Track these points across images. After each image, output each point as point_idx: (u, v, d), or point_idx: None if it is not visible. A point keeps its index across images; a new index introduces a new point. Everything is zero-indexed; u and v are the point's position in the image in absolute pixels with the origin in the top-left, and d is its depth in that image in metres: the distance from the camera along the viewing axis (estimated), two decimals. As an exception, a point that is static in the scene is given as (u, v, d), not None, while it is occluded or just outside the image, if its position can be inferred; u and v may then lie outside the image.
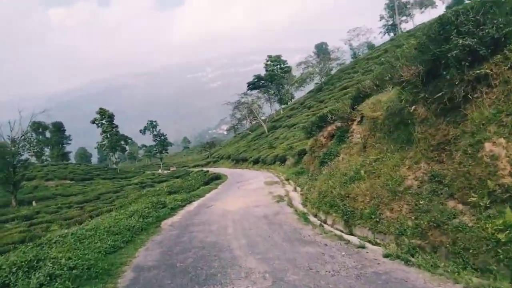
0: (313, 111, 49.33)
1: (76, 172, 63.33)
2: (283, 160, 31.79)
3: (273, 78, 74.82)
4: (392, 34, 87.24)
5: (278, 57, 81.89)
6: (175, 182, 39.09)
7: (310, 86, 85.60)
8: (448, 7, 73.85)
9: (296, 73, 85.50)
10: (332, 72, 77.21)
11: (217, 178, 28.75)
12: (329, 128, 16.07)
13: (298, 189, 16.05)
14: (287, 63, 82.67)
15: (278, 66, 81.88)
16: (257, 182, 22.69)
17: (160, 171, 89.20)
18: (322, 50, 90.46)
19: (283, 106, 79.44)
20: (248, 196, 16.09)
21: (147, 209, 12.24)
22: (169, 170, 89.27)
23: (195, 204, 15.46)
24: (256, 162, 40.99)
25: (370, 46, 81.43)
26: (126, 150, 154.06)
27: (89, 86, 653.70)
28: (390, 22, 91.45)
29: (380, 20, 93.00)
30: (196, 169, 62.75)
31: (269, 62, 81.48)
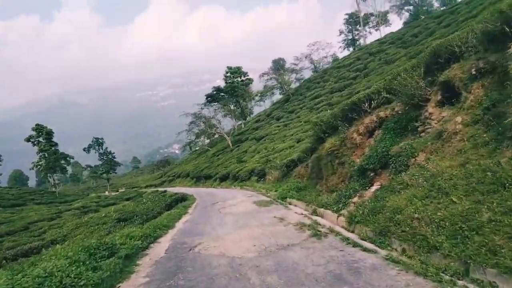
0: (283, 122, 44.62)
1: (4, 197, 53.08)
2: (261, 175, 26.20)
3: (234, 90, 69.56)
4: (351, 49, 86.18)
5: (239, 68, 77.19)
6: (125, 205, 31.91)
7: (267, 103, 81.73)
8: (405, 23, 74.21)
9: (257, 86, 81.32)
10: (292, 86, 74.32)
11: (183, 199, 22.40)
12: (367, 120, 10.80)
13: (322, 211, 10.47)
14: (248, 75, 78.03)
15: (239, 78, 76.99)
16: (242, 203, 16.85)
17: (107, 193, 79.48)
18: (279, 65, 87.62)
19: (242, 122, 74.21)
20: (248, 225, 10.23)
21: (75, 266, 5.95)
22: (118, 191, 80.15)
23: (165, 243, 9.24)
24: (224, 178, 34.97)
25: (335, 59, 79.50)
26: (67, 171, 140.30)
27: (33, 104, 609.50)
28: (350, 37, 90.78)
29: (340, 35, 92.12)
30: (149, 190, 55.05)
31: (228, 74, 76.42)
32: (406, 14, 79.63)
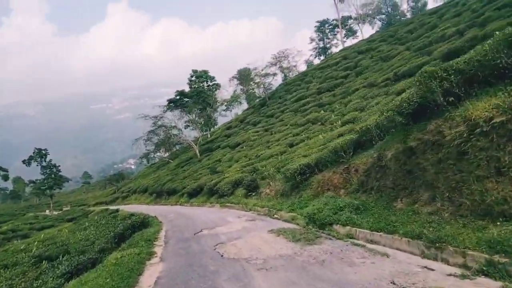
0: (263, 127, 38.04)
1: None
2: (252, 188, 19.20)
3: (200, 95, 62.10)
4: (322, 57, 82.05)
5: (205, 72, 70.01)
6: (61, 230, 23.51)
7: (232, 114, 75.55)
8: (378, 31, 71.47)
9: (224, 93, 74.52)
10: (258, 93, 68.91)
11: (143, 224, 14.69)
12: None
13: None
14: (215, 80, 70.85)
15: (205, 83, 69.76)
16: (249, 234, 9.91)
17: (47, 212, 68.19)
18: (245, 76, 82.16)
19: (207, 132, 66.58)
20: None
21: None
22: (61, 210, 69.19)
23: None
24: (194, 193, 27.47)
25: (309, 63, 74.87)
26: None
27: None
28: (321, 45, 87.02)
29: (311, 42, 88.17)
30: (98, 208, 45.81)
31: (193, 78, 68.99)
32: (379, 23, 77.31)
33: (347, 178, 11.26)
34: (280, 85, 54.07)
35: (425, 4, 69.93)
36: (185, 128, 61.25)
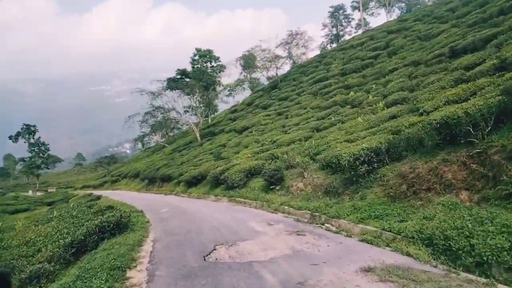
0: (275, 110, 32.97)
1: None
2: (274, 179, 14.16)
3: (203, 75, 56.27)
4: (334, 45, 76.52)
5: (210, 51, 64.12)
6: (20, 220, 18.49)
7: (231, 101, 70.50)
8: (403, 12, 65.98)
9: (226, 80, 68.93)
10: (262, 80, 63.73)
11: (119, 226, 9.55)
12: None
13: None
14: (220, 61, 65.04)
15: (209, 64, 63.99)
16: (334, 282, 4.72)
17: (30, 192, 63.02)
18: (249, 61, 76.88)
19: (208, 116, 61.19)
20: None
21: None
22: (47, 191, 64.14)
23: None
24: (194, 182, 22.56)
25: (323, 48, 69.61)
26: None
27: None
28: (334, 32, 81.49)
29: (323, 29, 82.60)
30: (83, 192, 40.77)
31: (196, 57, 63.23)
32: (397, 12, 71.87)
33: (477, 172, 6.27)
34: (292, 67, 48.76)
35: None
36: (184, 113, 55.48)
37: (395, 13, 73.45)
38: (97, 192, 34.99)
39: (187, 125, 46.99)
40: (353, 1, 69.66)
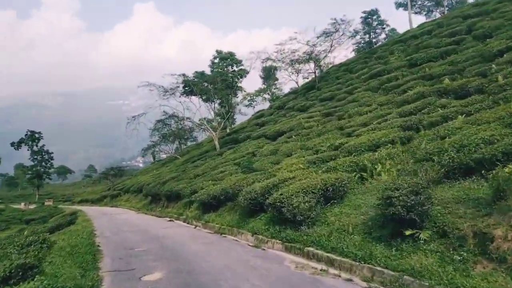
0: (319, 111, 25.09)
1: None
2: (415, 213, 6.06)
3: (223, 80, 48.39)
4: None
5: (231, 54, 56.32)
6: None
7: (249, 112, 63.43)
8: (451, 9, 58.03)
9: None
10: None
11: None
12: None
13: None
14: (242, 65, 57.12)
15: (230, 68, 56.36)
16: None
17: (22, 205, 56.03)
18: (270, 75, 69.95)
19: (227, 125, 53.34)
20: None
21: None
22: (43, 204, 57.13)
23: None
24: (212, 205, 14.61)
25: (361, 49, 62.26)
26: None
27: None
28: (367, 39, 73.86)
29: (353, 37, 74.99)
30: (72, 208, 33.12)
31: (216, 60, 55.85)
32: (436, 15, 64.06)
33: None
34: (331, 66, 40.92)
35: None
36: (200, 123, 47.44)
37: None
38: (89, 209, 27.31)
39: (204, 129, 39.14)
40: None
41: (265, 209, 10.82)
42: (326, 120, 22.45)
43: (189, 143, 70.28)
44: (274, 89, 71.95)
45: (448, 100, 14.71)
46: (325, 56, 36.57)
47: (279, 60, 44.24)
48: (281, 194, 9.27)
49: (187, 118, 42.04)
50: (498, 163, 6.70)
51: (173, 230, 13.99)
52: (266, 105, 62.06)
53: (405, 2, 59.10)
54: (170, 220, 18.11)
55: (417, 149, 10.44)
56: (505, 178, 5.50)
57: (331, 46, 35.55)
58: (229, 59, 56.50)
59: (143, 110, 41.83)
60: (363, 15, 71.46)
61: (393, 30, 72.84)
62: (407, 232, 5.99)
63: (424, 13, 67.54)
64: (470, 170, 7.44)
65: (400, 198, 6.00)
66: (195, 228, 14.72)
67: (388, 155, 10.80)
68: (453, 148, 8.38)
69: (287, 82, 60.02)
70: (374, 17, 71.35)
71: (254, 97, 72.16)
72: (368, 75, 27.03)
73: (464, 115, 11.62)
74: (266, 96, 69.42)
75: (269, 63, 45.99)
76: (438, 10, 65.23)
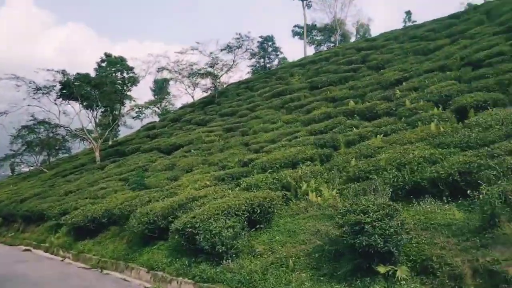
0: (220, 125, 23.52)
1: None
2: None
3: (113, 83, 43.45)
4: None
5: (122, 59, 51.28)
6: None
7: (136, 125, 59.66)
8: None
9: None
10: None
11: None
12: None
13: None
14: (133, 73, 52.30)
15: (119, 74, 51.15)
16: None
17: None
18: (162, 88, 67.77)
19: (109, 136, 47.92)
20: None
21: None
22: None
23: None
24: (89, 229, 11.36)
25: (257, 71, 63.34)
26: None
27: None
28: (262, 63, 76.39)
29: (250, 59, 76.84)
30: None
31: (104, 64, 50.30)
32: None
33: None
34: (230, 83, 40.05)
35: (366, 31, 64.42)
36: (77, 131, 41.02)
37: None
38: None
39: (84, 139, 33.81)
40: (295, 26, 65.41)
41: (165, 236, 8.40)
42: (229, 135, 20.91)
43: (60, 155, 61.01)
44: (166, 103, 68.75)
45: (358, 121, 14.53)
46: (228, 70, 35.47)
47: (175, 71, 41.74)
48: (193, 217, 7.03)
49: (63, 126, 35.94)
50: (457, 183, 5.76)
51: (29, 266, 10.24)
52: (155, 119, 58.41)
53: (301, 32, 62.73)
54: (26, 250, 13.82)
55: (342, 167, 9.39)
56: (497, 201, 4.39)
57: (233, 62, 34.78)
58: (119, 65, 51.13)
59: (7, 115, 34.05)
60: (260, 39, 74.17)
61: (284, 58, 76.73)
62: (381, 269, 4.45)
63: (313, 45, 73.25)
64: (421, 190, 6.43)
65: (375, 224, 4.44)
66: (62, 261, 11.18)
67: (312, 173, 9.51)
68: (391, 166, 7.44)
69: (182, 95, 57.71)
70: (270, 43, 74.69)
71: (143, 109, 67.51)
72: (271, 94, 26.66)
73: (382, 134, 11.18)
74: (156, 109, 65.69)
75: (164, 73, 42.78)
76: (325, 45, 71.53)
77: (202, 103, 34.85)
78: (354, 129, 13.13)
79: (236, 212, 7.00)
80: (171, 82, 45.75)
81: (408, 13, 69.88)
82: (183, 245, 7.30)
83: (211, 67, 33.83)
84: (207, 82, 44.48)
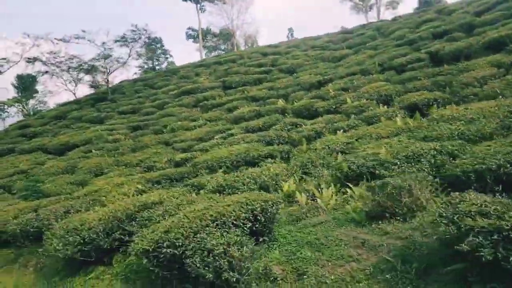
0: (122, 123, 20.41)
1: None
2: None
3: None
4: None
5: None
6: None
7: None
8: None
9: None
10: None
11: None
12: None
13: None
14: None
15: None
16: None
17: None
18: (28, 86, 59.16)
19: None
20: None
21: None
22: None
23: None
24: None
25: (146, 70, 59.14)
26: None
27: None
28: (150, 65, 72.49)
29: (137, 59, 72.02)
30: None
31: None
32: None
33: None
34: (123, 81, 35.68)
35: (254, 42, 67.32)
36: None
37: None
38: None
39: None
40: (189, 29, 63.18)
41: (106, 260, 6.00)
42: (138, 134, 18.04)
43: None
44: (36, 101, 59.13)
45: (297, 118, 13.74)
46: (123, 65, 31.56)
47: (52, 64, 35.62)
48: (167, 232, 4.93)
49: None
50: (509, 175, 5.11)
51: None
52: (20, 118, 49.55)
53: (195, 35, 61.04)
54: None
55: (322, 164, 8.29)
56: None
57: (129, 56, 31.18)
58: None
59: None
60: (147, 40, 69.70)
61: (172, 63, 73.59)
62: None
63: (205, 51, 72.28)
64: (458, 185, 5.61)
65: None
66: None
67: (286, 169, 8.18)
68: (399, 160, 6.63)
69: (61, 91, 50.70)
70: (158, 45, 71.10)
71: (6, 107, 57.25)
72: (179, 92, 24.39)
73: (342, 130, 10.54)
74: (23, 109, 55.75)
75: (37, 66, 35.93)
76: (216, 52, 71.23)
77: (92, 99, 30.14)
78: (299, 126, 12.31)
79: (234, 222, 5.17)
80: (45, 77, 38.59)
81: (291, 29, 75.44)
82: (154, 273, 5.05)
83: (104, 59, 29.57)
84: (93, 78, 39.44)
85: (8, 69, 36.97)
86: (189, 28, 63.08)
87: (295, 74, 22.51)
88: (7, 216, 8.47)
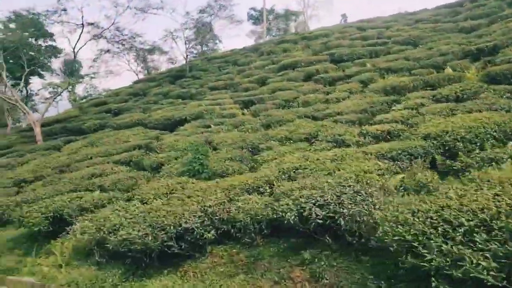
0: (231, 97, 17.99)
1: None
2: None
3: (21, 49, 33.94)
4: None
5: (41, 24, 40.84)
6: None
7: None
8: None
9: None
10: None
11: None
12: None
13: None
14: (54, 41, 41.81)
15: (33, 40, 40.44)
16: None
17: None
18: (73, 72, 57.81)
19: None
20: None
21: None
22: None
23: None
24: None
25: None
26: None
27: None
28: (200, 50, 70.34)
29: (187, 44, 70.17)
30: None
31: (13, 26, 39.14)
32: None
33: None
34: (196, 58, 33.82)
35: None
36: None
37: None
38: None
39: (23, 112, 24.29)
40: (251, 9, 60.52)
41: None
42: (256, 109, 15.37)
43: None
44: (87, 85, 58.56)
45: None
46: (210, 40, 29.44)
47: (116, 42, 34.01)
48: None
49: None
50: None
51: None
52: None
53: (257, 16, 58.61)
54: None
55: None
56: None
57: (210, 30, 28.87)
58: (34, 30, 40.06)
59: None
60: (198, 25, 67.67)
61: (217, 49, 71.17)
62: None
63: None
64: None
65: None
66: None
67: None
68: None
69: (123, 72, 49.95)
70: (208, 29, 68.78)
71: (60, 89, 56.71)
72: (280, 66, 21.66)
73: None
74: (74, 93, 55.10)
75: (101, 43, 34.14)
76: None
77: (169, 77, 28.09)
78: None
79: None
80: (106, 56, 36.85)
81: (344, 15, 70.33)
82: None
83: (195, 28, 27.38)
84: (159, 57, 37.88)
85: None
86: (251, 8, 59.66)
87: (420, 46, 19.18)
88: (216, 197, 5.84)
